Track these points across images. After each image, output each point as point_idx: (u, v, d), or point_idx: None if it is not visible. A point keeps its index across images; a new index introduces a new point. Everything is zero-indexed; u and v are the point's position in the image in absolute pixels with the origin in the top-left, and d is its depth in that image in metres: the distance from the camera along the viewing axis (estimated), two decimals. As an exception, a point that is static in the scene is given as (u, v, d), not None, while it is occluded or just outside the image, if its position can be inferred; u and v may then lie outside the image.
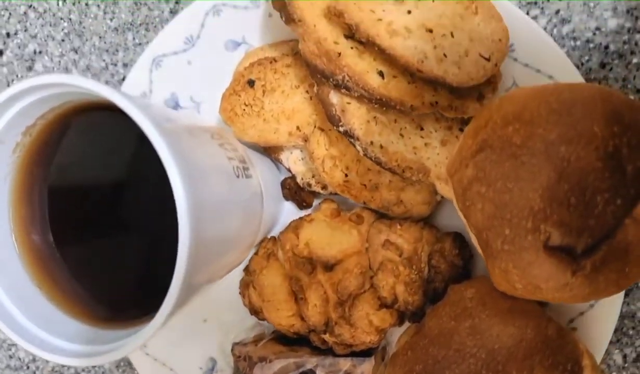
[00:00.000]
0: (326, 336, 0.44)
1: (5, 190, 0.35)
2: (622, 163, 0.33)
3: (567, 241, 0.33)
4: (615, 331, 0.46)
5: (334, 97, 0.41)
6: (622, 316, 0.46)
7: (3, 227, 0.35)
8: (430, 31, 0.40)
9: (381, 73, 0.40)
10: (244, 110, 0.45)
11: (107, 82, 0.56)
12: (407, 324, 0.45)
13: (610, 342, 0.46)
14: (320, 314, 0.43)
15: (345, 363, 0.44)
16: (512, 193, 0.34)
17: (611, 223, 0.33)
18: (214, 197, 0.35)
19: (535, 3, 0.46)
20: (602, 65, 0.45)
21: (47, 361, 0.58)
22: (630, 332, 0.47)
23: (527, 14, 0.46)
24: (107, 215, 0.36)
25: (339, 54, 0.40)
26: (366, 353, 0.45)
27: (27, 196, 0.35)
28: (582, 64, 0.45)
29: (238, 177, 0.39)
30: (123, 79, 0.56)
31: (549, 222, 0.33)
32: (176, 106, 0.51)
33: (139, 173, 0.36)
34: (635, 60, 0.44)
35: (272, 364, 0.45)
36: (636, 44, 0.44)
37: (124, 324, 0.34)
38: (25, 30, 0.58)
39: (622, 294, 0.42)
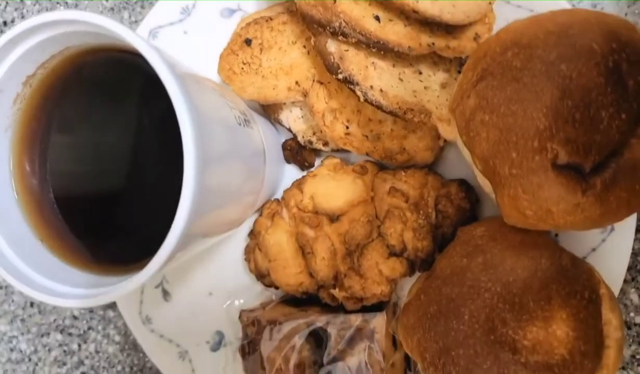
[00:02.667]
0: (335, 291, 0.43)
1: (6, 142, 0.35)
2: (623, 78, 0.33)
3: (574, 159, 0.33)
4: (630, 269, 0.45)
5: (332, 46, 0.41)
6: (635, 254, 0.45)
7: (3, 180, 0.35)
8: (424, -29, 0.40)
9: (377, 18, 0.40)
10: (242, 68, 0.45)
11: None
12: (417, 275, 0.44)
13: (626, 281, 0.45)
14: (328, 268, 0.42)
15: (356, 319, 0.43)
16: (516, 115, 0.34)
17: (617, 138, 0.33)
18: (218, 142, 0.35)
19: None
20: (593, 5, 0.45)
21: (49, 351, 0.57)
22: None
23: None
24: (107, 165, 0.36)
25: (334, 1, 0.40)
26: (377, 308, 0.44)
27: (28, 149, 0.35)
28: (573, 5, 0.45)
29: (240, 124, 0.39)
30: (120, 58, 0.56)
31: (556, 140, 0.33)
32: (174, 78, 0.51)
33: (140, 123, 0.36)
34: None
35: (282, 327, 0.44)
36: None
37: (126, 270, 0.33)
38: (23, 18, 0.58)
39: (633, 229, 0.41)
